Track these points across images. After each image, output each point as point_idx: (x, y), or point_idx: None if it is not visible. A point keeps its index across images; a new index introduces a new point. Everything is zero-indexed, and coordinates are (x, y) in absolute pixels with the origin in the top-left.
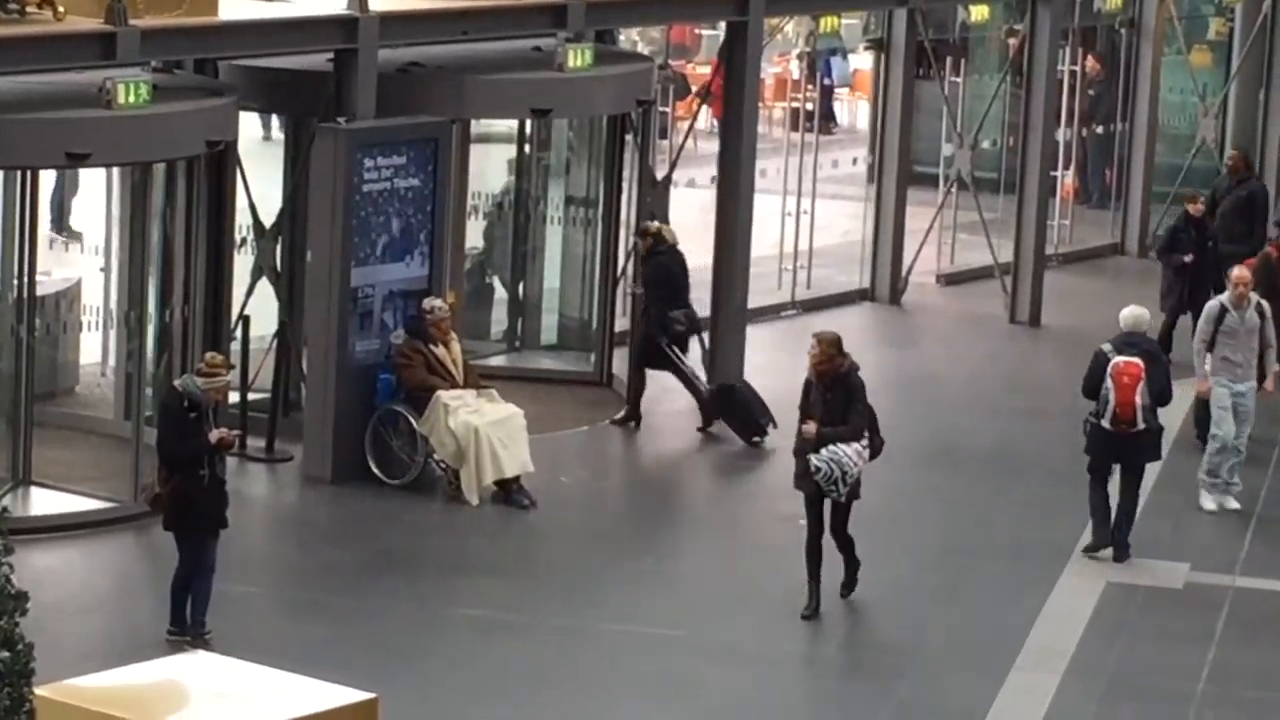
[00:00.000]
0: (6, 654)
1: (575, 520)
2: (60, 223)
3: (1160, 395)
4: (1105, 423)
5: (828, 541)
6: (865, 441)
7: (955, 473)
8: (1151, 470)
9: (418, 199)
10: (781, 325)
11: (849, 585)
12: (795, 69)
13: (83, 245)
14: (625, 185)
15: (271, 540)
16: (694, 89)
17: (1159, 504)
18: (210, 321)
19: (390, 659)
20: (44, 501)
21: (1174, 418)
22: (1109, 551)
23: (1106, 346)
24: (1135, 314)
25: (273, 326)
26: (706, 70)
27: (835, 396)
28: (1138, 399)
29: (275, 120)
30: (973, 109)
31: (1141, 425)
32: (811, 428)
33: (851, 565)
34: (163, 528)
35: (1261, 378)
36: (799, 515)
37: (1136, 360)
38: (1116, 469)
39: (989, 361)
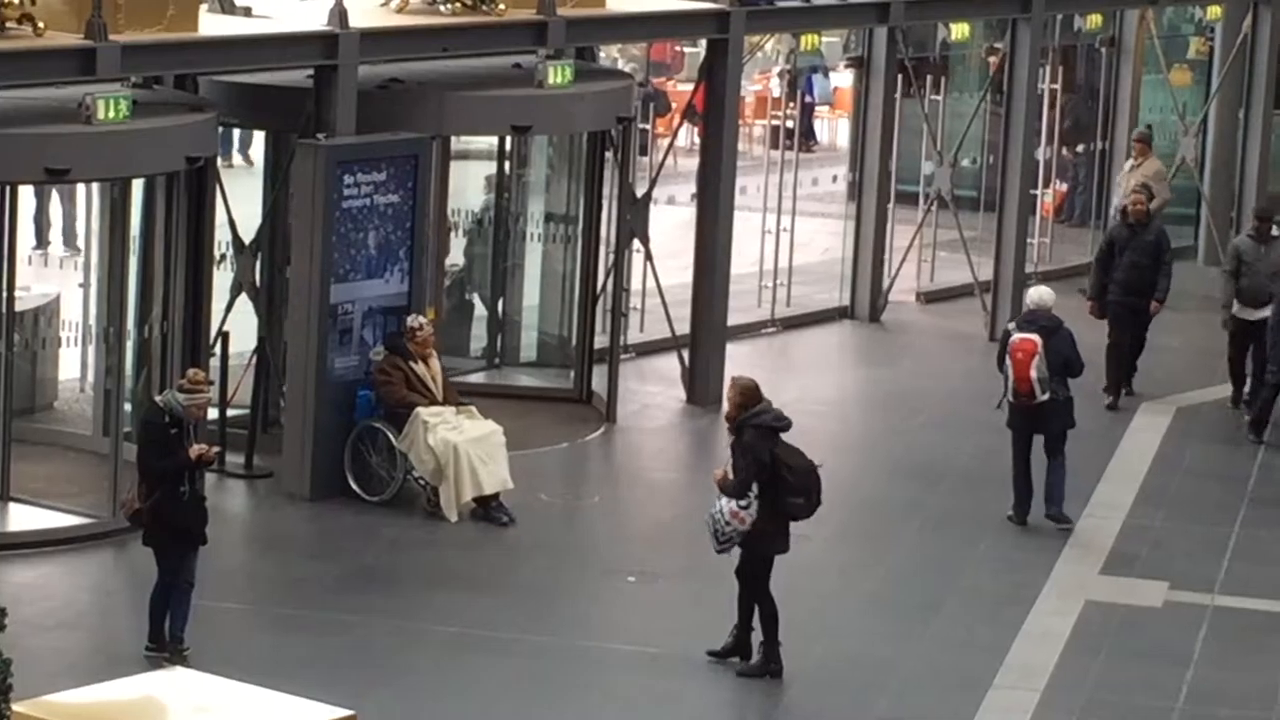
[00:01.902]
0: None
1: (554, 537)
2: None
3: (1065, 367)
4: (1009, 396)
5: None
6: (747, 501)
7: (934, 489)
8: (1130, 489)
9: (397, 215)
10: (762, 343)
11: (732, 649)
12: (776, 87)
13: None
14: (605, 202)
15: (250, 556)
16: (673, 106)
17: (1138, 525)
18: (189, 337)
19: (369, 675)
20: (23, 517)
21: (1152, 436)
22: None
23: (1011, 325)
24: (1038, 293)
25: (252, 343)
26: (689, 88)
27: (735, 446)
28: (1033, 373)
29: (243, 142)
30: (953, 127)
31: (1043, 396)
32: (718, 474)
33: (740, 624)
34: (142, 543)
35: None
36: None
37: (1031, 336)
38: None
39: (968, 379)
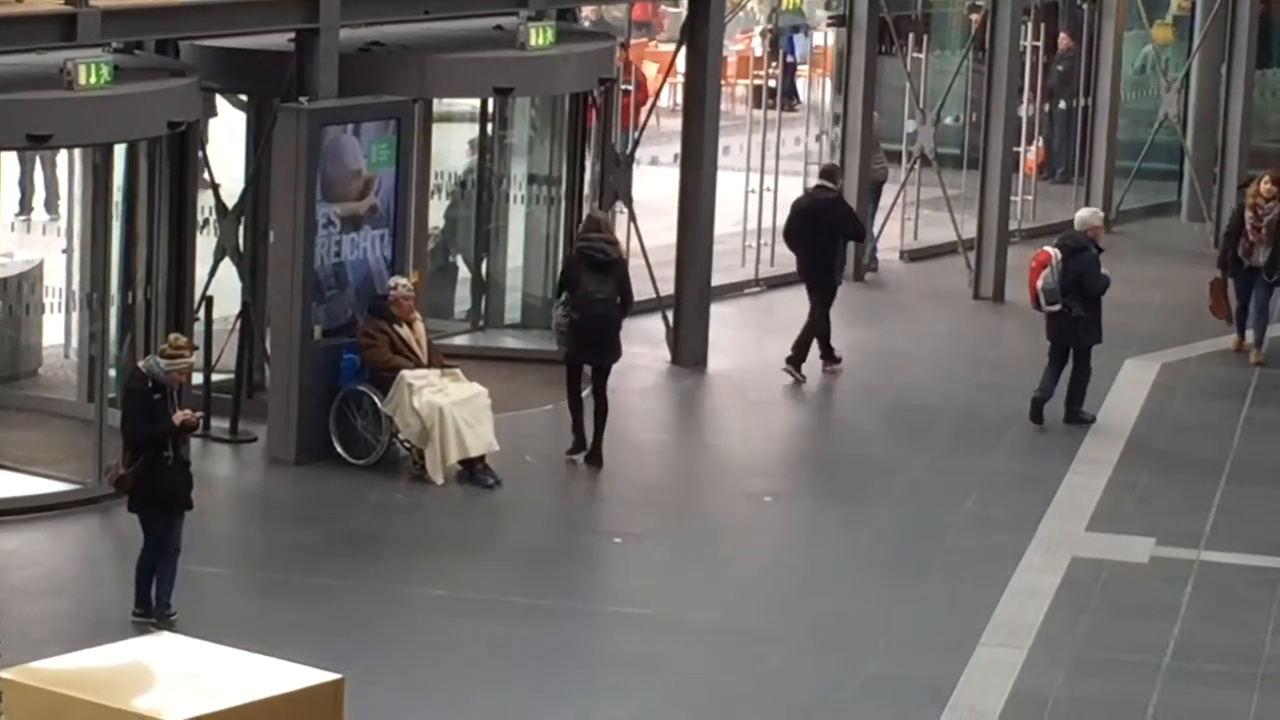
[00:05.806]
0: None
1: (540, 499)
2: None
3: (1077, 282)
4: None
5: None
6: (557, 303)
7: (919, 448)
8: (1116, 445)
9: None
10: (745, 302)
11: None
12: (758, 46)
13: None
14: (588, 163)
15: (236, 521)
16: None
17: (1124, 481)
18: (173, 303)
19: (355, 639)
20: (7, 484)
21: (1137, 391)
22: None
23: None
24: (1081, 215)
25: (236, 307)
26: (669, 49)
27: None
28: (1039, 283)
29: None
30: (935, 85)
31: (1050, 307)
32: None
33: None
34: (127, 509)
35: None
36: (766, 493)
37: (1049, 250)
38: None
39: (952, 337)
